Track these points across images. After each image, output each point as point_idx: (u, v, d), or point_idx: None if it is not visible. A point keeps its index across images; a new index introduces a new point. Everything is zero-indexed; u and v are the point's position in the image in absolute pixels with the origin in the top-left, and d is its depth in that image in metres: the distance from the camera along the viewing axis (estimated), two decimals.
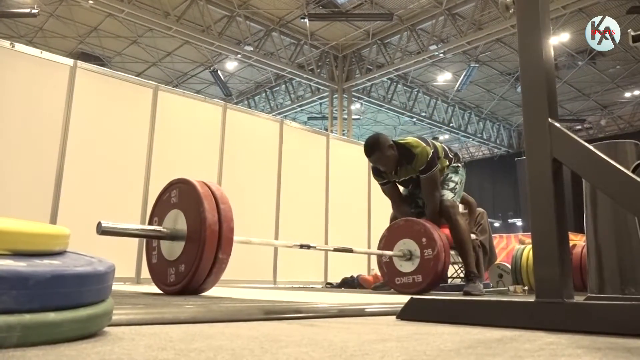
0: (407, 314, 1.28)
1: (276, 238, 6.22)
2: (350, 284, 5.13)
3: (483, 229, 5.16)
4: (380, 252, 3.36)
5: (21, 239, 0.83)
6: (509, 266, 5.57)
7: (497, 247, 13.41)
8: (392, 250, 3.33)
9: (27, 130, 4.68)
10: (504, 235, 13.75)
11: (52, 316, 0.72)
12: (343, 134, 13.93)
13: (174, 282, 2.14)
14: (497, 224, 20.04)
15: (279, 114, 15.73)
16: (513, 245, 12.68)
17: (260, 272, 6.16)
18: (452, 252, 3.62)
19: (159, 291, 2.30)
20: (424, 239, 3.19)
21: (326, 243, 6.79)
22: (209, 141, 5.96)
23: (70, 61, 5.13)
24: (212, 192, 2.12)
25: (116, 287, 3.22)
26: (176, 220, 2.20)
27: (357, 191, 7.57)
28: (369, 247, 7.00)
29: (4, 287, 0.69)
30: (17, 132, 4.62)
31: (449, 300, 1.25)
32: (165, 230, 2.18)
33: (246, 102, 17.08)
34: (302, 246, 2.66)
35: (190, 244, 2.08)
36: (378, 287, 4.12)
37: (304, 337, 0.92)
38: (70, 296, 0.77)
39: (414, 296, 1.31)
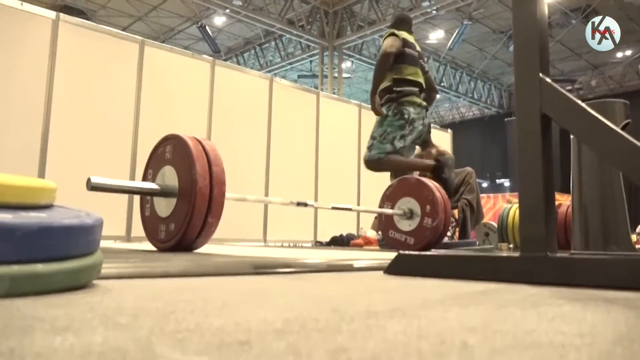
0: (394, 269, 1.30)
1: (266, 195, 6.24)
2: (339, 242, 5.19)
3: (471, 188, 5.21)
4: (380, 210, 3.36)
5: (7, 192, 0.82)
6: (496, 225, 5.66)
7: (485, 206, 13.59)
8: (395, 202, 3.33)
9: (10, 85, 4.57)
10: (492, 195, 13.93)
11: (40, 267, 0.73)
12: (333, 93, 13.79)
13: (165, 239, 2.15)
14: (485, 184, 20.23)
15: (269, 71, 15.48)
16: (500, 205, 12.86)
17: (250, 230, 6.21)
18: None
19: (150, 248, 2.31)
20: (428, 207, 3.19)
21: (316, 200, 6.83)
22: (198, 97, 5.88)
23: (52, 14, 4.97)
24: (206, 153, 2.10)
25: (106, 244, 3.23)
26: (169, 177, 2.18)
27: (347, 150, 7.56)
28: (358, 204, 7.06)
29: None
30: (0, 88, 4.51)
31: (435, 256, 1.27)
32: (156, 187, 2.17)
33: (235, 59, 16.76)
34: (298, 204, 2.66)
35: (180, 204, 2.08)
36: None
37: (292, 290, 0.93)
38: (58, 248, 0.77)
39: (401, 252, 1.33)
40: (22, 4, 4.88)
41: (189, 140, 2.14)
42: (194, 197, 2.01)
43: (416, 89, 3.66)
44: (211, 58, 6.58)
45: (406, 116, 3.56)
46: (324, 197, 6.95)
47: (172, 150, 2.21)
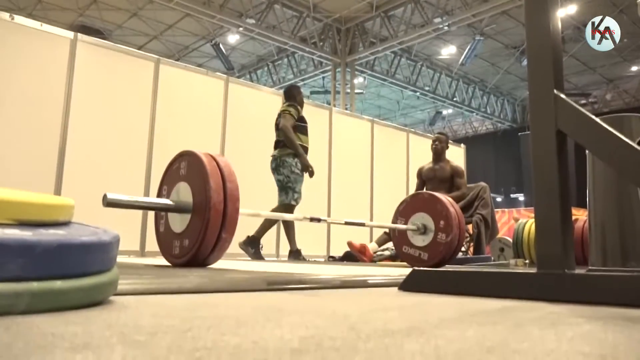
0: (409, 285, 1.29)
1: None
2: (352, 258, 5.16)
3: (485, 203, 5.17)
4: (393, 226, 3.35)
5: (27, 209, 0.83)
6: (511, 240, 5.59)
7: (499, 221, 13.44)
8: (409, 217, 3.32)
9: (28, 104, 4.66)
10: (506, 210, 13.79)
11: (58, 284, 0.73)
12: (346, 109, 13.84)
13: (179, 254, 2.16)
14: (499, 199, 20.05)
15: (281, 87, 15.60)
16: (513, 220, 12.72)
17: (263, 245, 6.20)
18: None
19: (164, 263, 2.32)
20: (442, 222, 3.17)
21: (329, 216, 6.82)
22: (212, 114, 5.95)
23: (70, 34, 5.07)
24: (220, 169, 2.11)
25: (121, 259, 3.24)
26: (183, 193, 2.20)
27: (359, 164, 7.56)
28: (371, 220, 7.03)
29: (11, 255, 0.69)
30: (19, 106, 4.60)
31: (451, 272, 1.26)
32: (171, 203, 2.18)
33: (248, 75, 16.93)
34: (312, 219, 2.67)
35: (195, 220, 2.09)
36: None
37: (307, 307, 0.93)
38: (76, 265, 0.78)
39: (416, 268, 1.32)
40: (41, 25, 5.00)
41: (203, 157, 2.16)
42: (208, 213, 2.03)
43: None
44: (225, 75, 6.66)
45: None
46: (337, 212, 6.93)
47: (186, 167, 2.23)
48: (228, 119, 6.03)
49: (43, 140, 4.70)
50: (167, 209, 2.20)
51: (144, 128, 5.35)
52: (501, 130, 20.40)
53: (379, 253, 4.78)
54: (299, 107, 4.93)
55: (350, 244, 4.80)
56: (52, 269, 0.74)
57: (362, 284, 1.45)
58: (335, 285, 1.38)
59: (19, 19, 4.81)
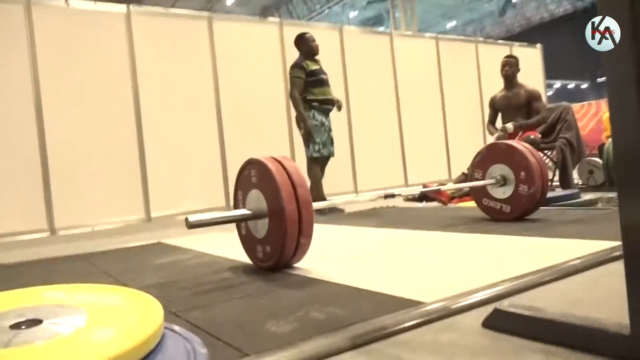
0: (492, 324, 1.30)
1: (353, 151, 6.33)
2: (430, 197, 5.12)
3: (569, 125, 4.86)
4: (471, 184, 3.25)
5: (130, 356, 0.92)
6: (600, 161, 5.17)
7: (587, 115, 12.55)
8: (486, 169, 3.20)
9: (99, 94, 4.87)
10: (593, 102, 12.78)
11: None
12: (406, 14, 13.08)
13: (263, 258, 2.28)
14: (584, 86, 18.64)
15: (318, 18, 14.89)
16: (604, 112, 11.82)
17: (342, 183, 6.32)
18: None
19: (250, 262, 2.43)
20: (522, 173, 3.02)
21: (403, 148, 6.76)
22: (270, 63, 5.95)
23: (123, 7, 5.14)
24: (289, 175, 2.14)
25: (206, 232, 3.29)
26: (258, 200, 2.26)
27: (429, 90, 7.29)
28: (448, 163, 6.96)
29: None
30: (90, 96, 4.83)
31: (539, 319, 1.23)
32: (249, 212, 2.26)
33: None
34: (386, 196, 2.66)
35: (272, 228, 2.17)
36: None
37: None
38: None
39: (500, 309, 1.31)
40: (95, 3, 5.07)
41: (271, 165, 2.18)
42: (285, 223, 2.08)
43: None
44: (279, 20, 6.51)
45: None
46: (409, 149, 6.90)
47: (257, 175, 2.27)
48: (287, 64, 5.98)
49: (121, 132, 4.96)
50: (246, 219, 2.29)
51: (209, 89, 5.51)
52: (582, 9, 18.47)
53: (457, 189, 4.70)
54: (304, 64, 4.69)
55: (425, 187, 4.76)
56: None
57: (446, 313, 1.47)
58: (418, 323, 1.41)
59: (74, 2, 4.91)
